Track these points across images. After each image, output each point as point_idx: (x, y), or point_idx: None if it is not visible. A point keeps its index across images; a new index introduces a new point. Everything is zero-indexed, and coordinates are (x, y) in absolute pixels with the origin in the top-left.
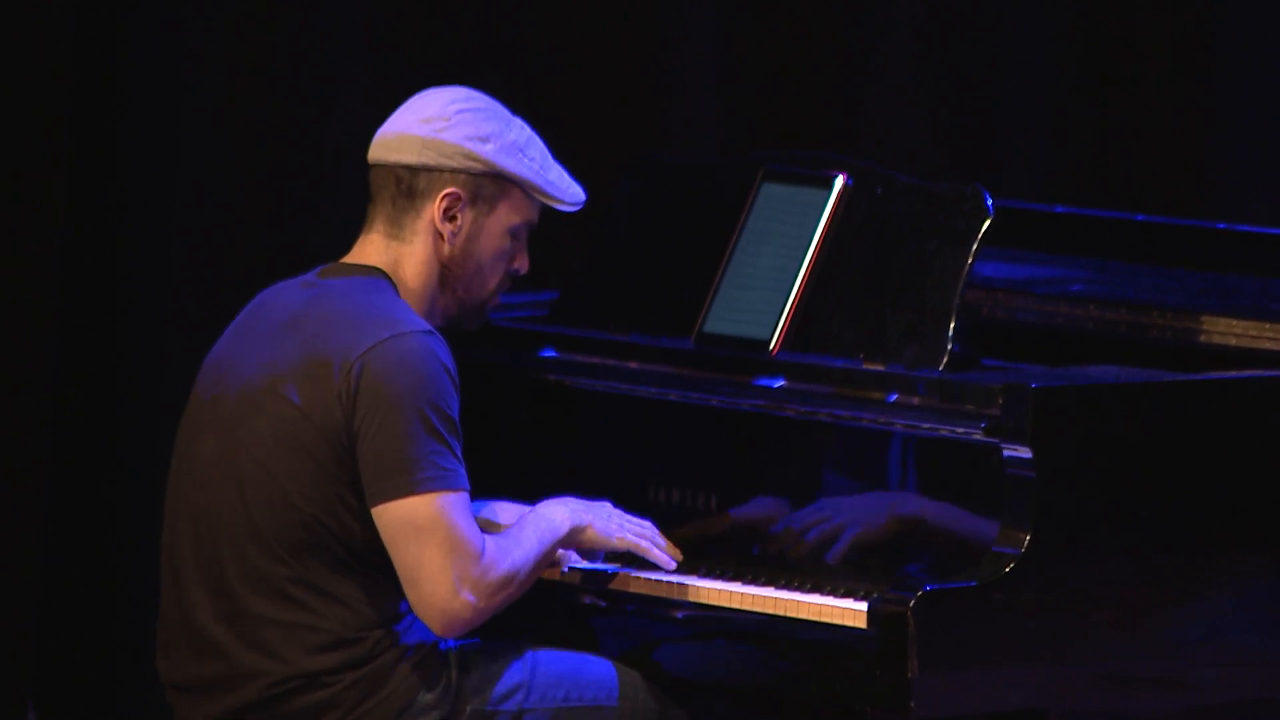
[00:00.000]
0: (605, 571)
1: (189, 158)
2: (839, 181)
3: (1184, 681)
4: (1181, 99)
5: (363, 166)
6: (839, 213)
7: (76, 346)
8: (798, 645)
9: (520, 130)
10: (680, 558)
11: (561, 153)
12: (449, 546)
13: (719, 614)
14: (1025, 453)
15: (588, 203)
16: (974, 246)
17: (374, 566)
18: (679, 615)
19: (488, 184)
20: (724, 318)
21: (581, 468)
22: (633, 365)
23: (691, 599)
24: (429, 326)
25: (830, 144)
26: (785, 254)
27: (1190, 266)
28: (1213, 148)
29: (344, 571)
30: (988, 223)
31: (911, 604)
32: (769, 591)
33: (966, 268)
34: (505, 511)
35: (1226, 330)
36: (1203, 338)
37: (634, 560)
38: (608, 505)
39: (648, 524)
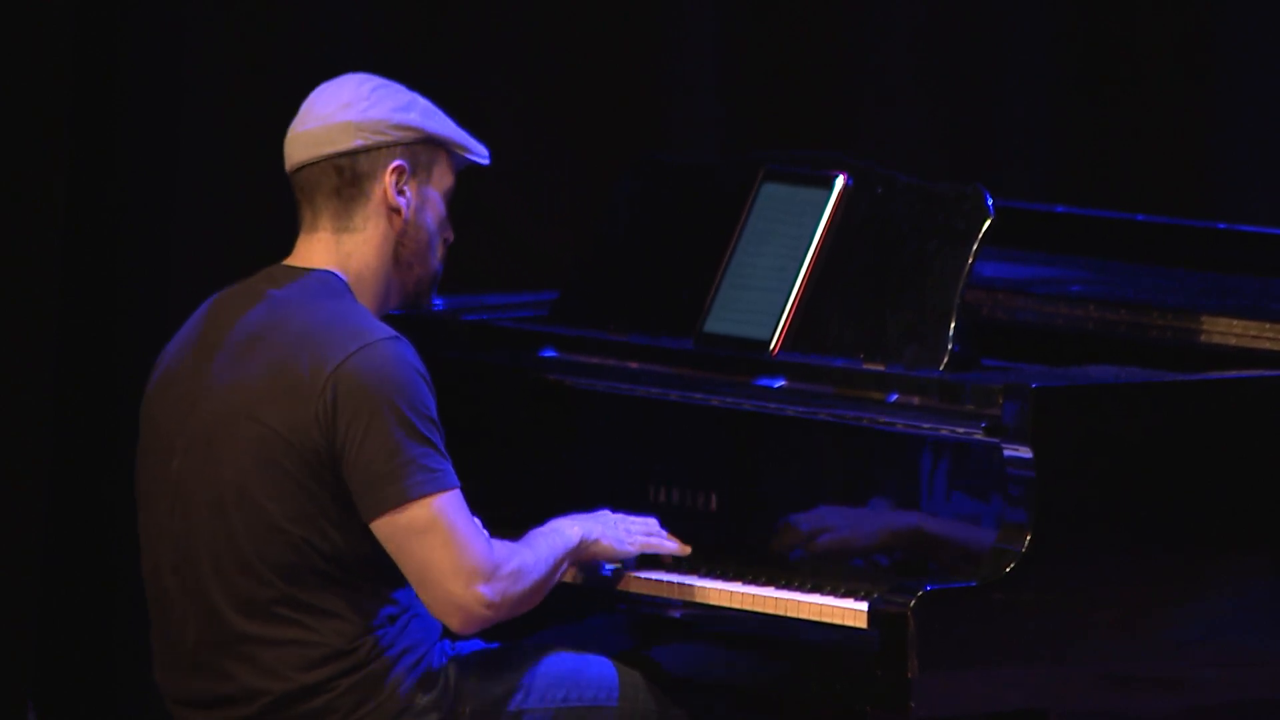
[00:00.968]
0: (605, 572)
1: (189, 158)
2: (839, 181)
3: (1184, 681)
4: (1181, 99)
5: None
6: (839, 213)
7: (76, 346)
8: (798, 645)
9: (423, 98)
10: (688, 550)
11: (562, 152)
12: (452, 544)
13: (719, 614)
14: (1025, 453)
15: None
16: (974, 246)
17: (362, 576)
18: (679, 615)
19: (423, 150)
20: (724, 318)
21: (581, 468)
22: (633, 365)
23: (691, 599)
24: (394, 332)
25: (830, 144)
26: (785, 254)
27: (1190, 266)
28: (1213, 148)
29: (333, 586)
30: (988, 223)
31: (912, 604)
32: (769, 591)
33: (967, 268)
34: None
35: (1226, 330)
36: (1203, 338)
37: (634, 560)
38: (606, 512)
39: (651, 521)
